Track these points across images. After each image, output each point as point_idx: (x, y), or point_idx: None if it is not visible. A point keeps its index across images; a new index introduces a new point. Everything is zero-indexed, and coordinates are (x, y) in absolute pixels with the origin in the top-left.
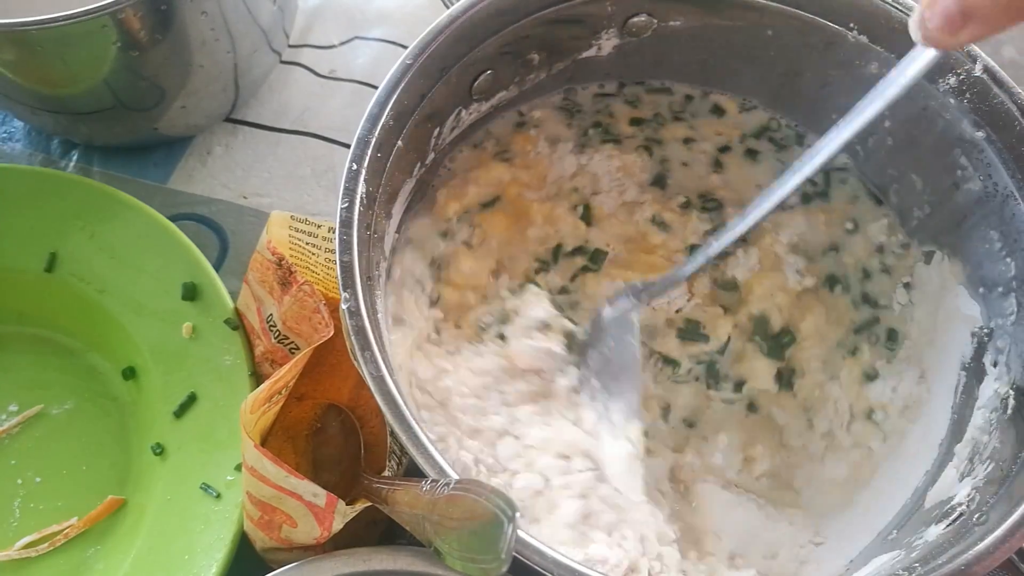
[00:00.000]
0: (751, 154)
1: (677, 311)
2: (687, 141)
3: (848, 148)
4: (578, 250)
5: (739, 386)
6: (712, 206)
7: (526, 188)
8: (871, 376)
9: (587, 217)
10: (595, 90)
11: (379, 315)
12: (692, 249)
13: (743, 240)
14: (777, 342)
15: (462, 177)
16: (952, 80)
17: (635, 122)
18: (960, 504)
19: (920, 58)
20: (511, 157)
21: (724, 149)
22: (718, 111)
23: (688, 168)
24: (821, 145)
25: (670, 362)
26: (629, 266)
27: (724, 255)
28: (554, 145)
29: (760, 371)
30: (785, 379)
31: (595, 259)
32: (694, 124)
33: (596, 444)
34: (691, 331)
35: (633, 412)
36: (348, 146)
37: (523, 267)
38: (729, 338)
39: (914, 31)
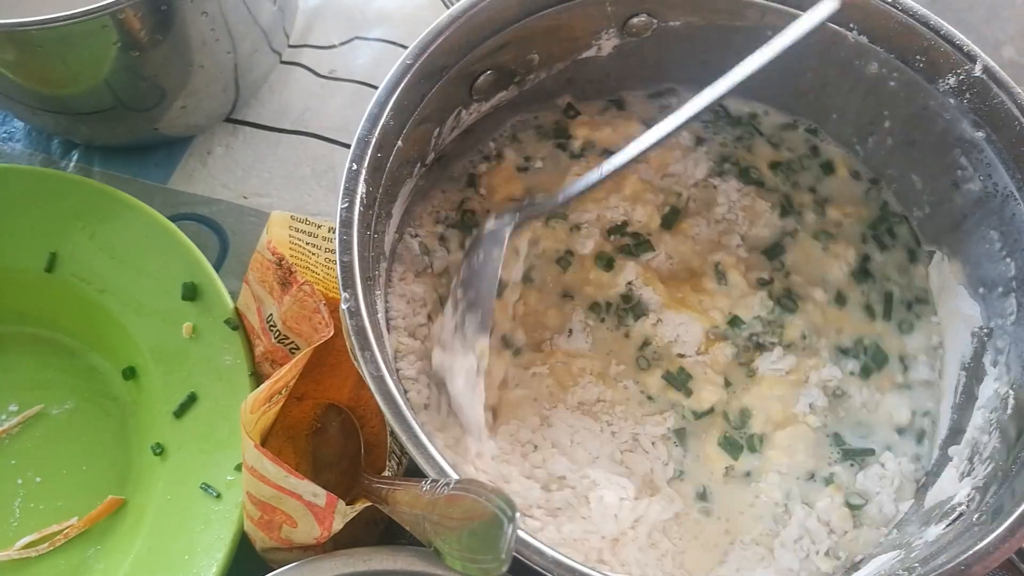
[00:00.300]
0: (864, 274)
1: (679, 355)
2: (823, 236)
3: (849, 147)
4: (634, 235)
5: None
6: (788, 306)
7: (644, 163)
8: (856, 506)
9: (668, 220)
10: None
11: (379, 315)
12: (734, 320)
13: (788, 347)
14: (746, 441)
15: (605, 120)
16: (952, 80)
17: (774, 165)
18: (960, 504)
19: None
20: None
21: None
22: (828, 168)
23: (808, 283)
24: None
25: (649, 397)
26: (665, 281)
27: (760, 348)
28: (697, 144)
29: (715, 459)
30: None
31: (639, 248)
32: (817, 192)
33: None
34: (678, 379)
35: (482, 326)
36: (348, 146)
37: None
38: (712, 408)
39: None
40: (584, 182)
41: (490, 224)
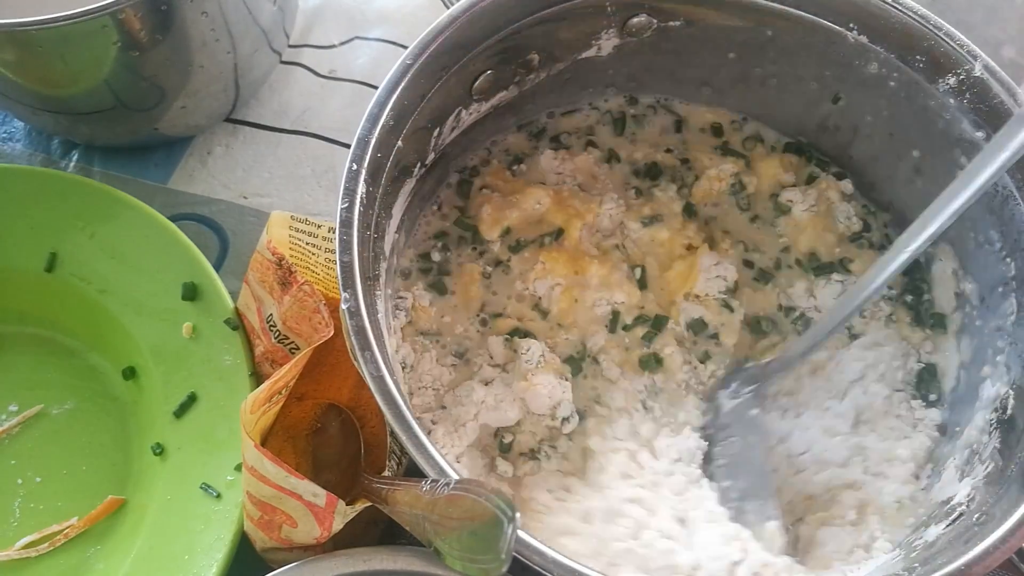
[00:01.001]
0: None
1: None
2: None
3: (847, 149)
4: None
5: None
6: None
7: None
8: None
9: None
10: None
11: (379, 315)
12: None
13: None
14: None
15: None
16: (952, 80)
17: None
18: (960, 504)
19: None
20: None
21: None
22: None
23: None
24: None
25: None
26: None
27: None
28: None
29: None
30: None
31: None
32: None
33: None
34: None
35: (768, 514)
36: (348, 146)
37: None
38: None
39: None
40: (824, 328)
41: (724, 403)
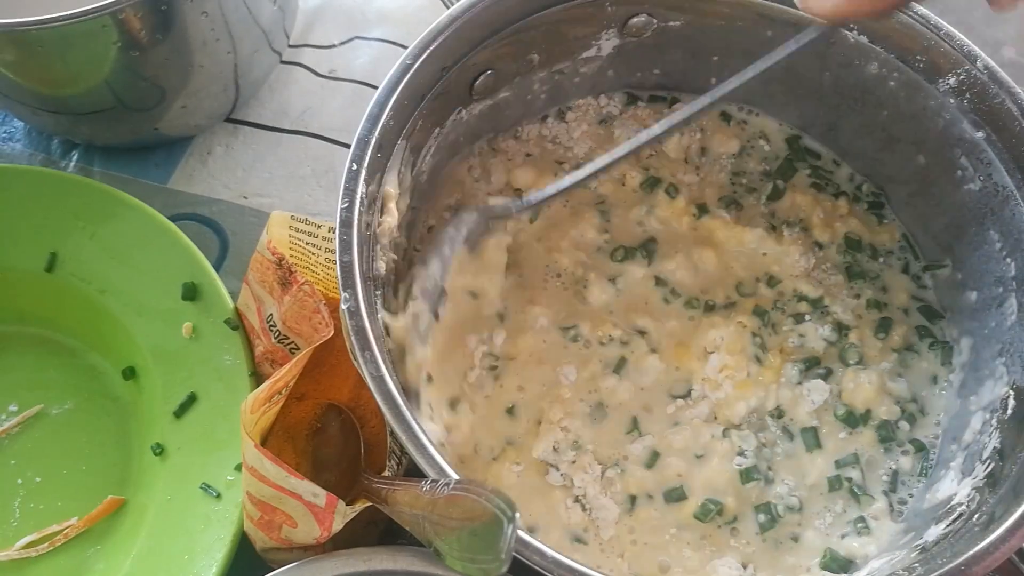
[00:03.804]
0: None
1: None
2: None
3: (846, 148)
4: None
5: None
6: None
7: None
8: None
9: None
10: None
11: (378, 315)
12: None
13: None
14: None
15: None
16: (952, 80)
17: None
18: (960, 504)
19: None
20: None
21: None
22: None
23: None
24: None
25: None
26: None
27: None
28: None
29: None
30: None
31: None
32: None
33: None
34: None
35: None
36: (348, 146)
37: None
38: None
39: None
40: (558, 185)
41: (449, 229)
